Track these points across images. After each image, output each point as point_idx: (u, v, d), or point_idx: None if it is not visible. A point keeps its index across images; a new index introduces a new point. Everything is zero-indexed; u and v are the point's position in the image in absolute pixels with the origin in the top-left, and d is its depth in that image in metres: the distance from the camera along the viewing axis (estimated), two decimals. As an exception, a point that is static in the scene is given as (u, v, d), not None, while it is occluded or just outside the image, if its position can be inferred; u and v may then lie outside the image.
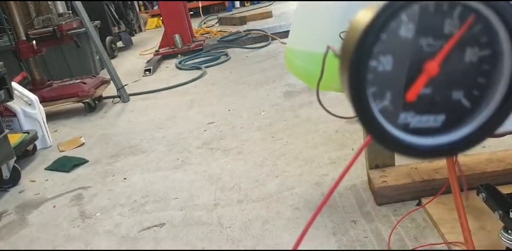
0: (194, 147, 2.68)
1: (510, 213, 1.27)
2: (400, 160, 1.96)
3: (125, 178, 2.43)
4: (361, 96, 0.39)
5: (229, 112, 3.25)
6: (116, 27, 6.41)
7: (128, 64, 5.56)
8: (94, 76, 4.03)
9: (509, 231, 1.28)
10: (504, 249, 1.34)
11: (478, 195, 1.42)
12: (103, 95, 3.96)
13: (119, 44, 6.51)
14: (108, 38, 5.75)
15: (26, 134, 2.72)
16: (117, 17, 6.42)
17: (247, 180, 2.20)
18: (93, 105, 3.69)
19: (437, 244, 1.54)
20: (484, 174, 1.78)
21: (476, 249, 1.42)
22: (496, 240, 1.33)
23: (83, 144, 3.01)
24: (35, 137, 2.81)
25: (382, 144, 0.42)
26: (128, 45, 6.64)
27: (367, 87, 0.39)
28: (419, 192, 1.79)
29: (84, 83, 3.67)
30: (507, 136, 1.42)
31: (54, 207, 2.27)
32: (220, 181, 2.23)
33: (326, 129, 2.65)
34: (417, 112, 0.40)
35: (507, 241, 1.28)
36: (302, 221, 1.82)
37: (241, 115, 3.14)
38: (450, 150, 0.42)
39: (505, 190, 1.43)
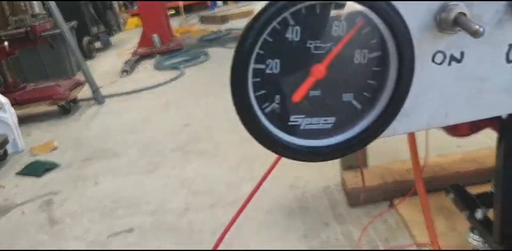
0: (168, 150, 2.63)
1: (476, 213, 1.25)
2: (373, 160, 1.94)
3: (96, 183, 2.38)
4: (243, 100, 0.37)
5: (206, 113, 3.20)
6: (96, 28, 6.31)
7: (106, 65, 5.48)
8: (70, 78, 3.96)
9: (475, 231, 1.27)
10: (470, 249, 1.32)
11: (447, 195, 1.40)
12: (79, 97, 3.89)
13: (98, 45, 6.42)
14: (85, 39, 5.66)
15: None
16: (96, 17, 6.33)
17: (221, 184, 2.16)
18: (68, 108, 3.61)
19: (407, 245, 1.52)
20: (457, 174, 1.77)
21: (444, 249, 1.41)
22: (465, 240, 1.32)
23: (56, 148, 2.94)
24: (5, 141, 2.74)
25: (269, 148, 0.39)
26: (107, 46, 6.55)
27: (254, 90, 0.37)
28: (391, 193, 1.77)
29: (59, 85, 3.60)
30: (481, 135, 1.41)
31: (22, 213, 2.21)
32: (193, 185, 2.19)
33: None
34: (307, 115, 0.38)
35: (473, 242, 1.27)
36: (275, 225, 1.79)
37: (218, 117, 3.09)
38: (342, 150, 0.40)
39: (477, 190, 1.41)
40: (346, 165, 1.91)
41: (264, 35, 0.35)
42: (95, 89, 3.74)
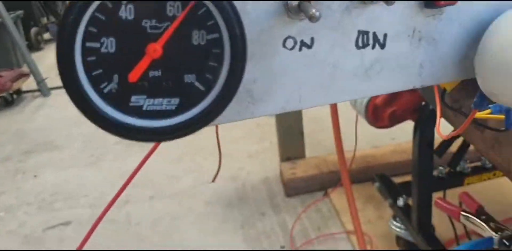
0: (111, 143, 2.59)
1: (397, 201, 1.31)
2: (311, 152, 1.99)
3: (35, 176, 2.32)
4: (73, 81, 0.38)
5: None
6: (45, 18, 6.10)
7: (54, 57, 5.31)
8: (12, 69, 3.82)
9: (397, 219, 1.32)
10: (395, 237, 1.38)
11: (373, 184, 1.46)
12: (23, 89, 3.76)
13: (47, 36, 6.21)
14: (33, 29, 5.46)
15: None
16: (44, 7, 6.12)
17: (163, 176, 2.15)
18: (10, 100, 3.49)
19: (337, 233, 1.58)
20: (388, 165, 1.83)
21: (372, 237, 1.47)
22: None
23: (-5, 140, 2.85)
24: None
25: (107, 130, 0.40)
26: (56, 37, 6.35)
27: (89, 70, 0.38)
28: (327, 183, 1.82)
29: (0, 76, 3.46)
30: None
31: (-46, 208, 2.13)
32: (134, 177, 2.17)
33: (247, 123, 2.65)
34: (149, 95, 0.40)
35: (395, 228, 1.32)
36: (212, 216, 1.80)
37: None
38: (183, 130, 0.41)
39: (406, 179, 1.47)
40: (284, 157, 1.94)
41: (91, 13, 0.36)
42: (40, 81, 3.63)
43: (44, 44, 5.92)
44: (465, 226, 1.00)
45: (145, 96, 0.39)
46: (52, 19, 6.35)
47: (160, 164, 2.27)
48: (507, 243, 0.85)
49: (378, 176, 1.46)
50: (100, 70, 0.38)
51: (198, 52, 0.38)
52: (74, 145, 2.64)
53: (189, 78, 0.39)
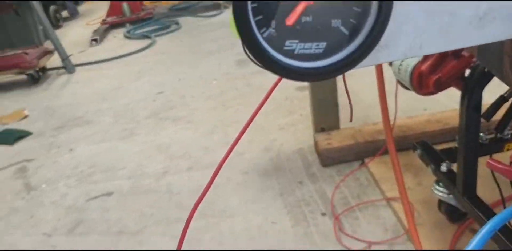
0: (142, 117, 2.63)
1: (441, 166, 1.33)
2: (345, 124, 2.00)
3: (70, 150, 2.38)
4: (245, 24, 0.40)
5: (179, 81, 3.20)
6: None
7: (74, 34, 5.34)
8: (37, 47, 3.85)
9: (440, 184, 1.35)
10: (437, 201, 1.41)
11: (414, 151, 1.48)
12: (48, 66, 3.81)
13: (65, 14, 6.22)
14: (52, 7, 5.48)
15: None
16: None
17: (197, 148, 2.19)
18: (36, 77, 3.54)
19: (377, 200, 1.61)
20: (423, 134, 1.85)
21: (412, 202, 1.50)
22: (431, 194, 1.40)
23: (26, 116, 2.90)
24: (-27, 110, 2.68)
25: (269, 69, 0.43)
26: (74, 15, 6.36)
27: (252, 16, 0.40)
28: (363, 153, 1.85)
29: (26, 53, 3.50)
30: (444, 97, 1.48)
31: (-4, 180, 2.20)
32: (169, 150, 2.22)
33: (276, 96, 2.66)
34: (301, 40, 0.42)
35: (438, 193, 1.35)
36: (250, 185, 1.84)
37: (191, 85, 3.10)
38: (331, 72, 0.44)
39: (442, 147, 1.49)
40: (318, 128, 1.96)
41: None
42: (65, 58, 3.66)
43: (63, 22, 5.94)
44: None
45: (297, 41, 0.43)
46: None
47: (193, 137, 2.31)
48: None
49: (419, 144, 1.47)
50: (260, 17, 0.41)
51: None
52: (104, 120, 2.68)
53: (336, 23, 0.42)
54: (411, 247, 1.37)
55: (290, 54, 0.43)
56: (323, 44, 0.43)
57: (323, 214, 1.59)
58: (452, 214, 1.38)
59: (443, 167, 1.34)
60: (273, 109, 2.48)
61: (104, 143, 2.39)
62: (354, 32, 0.43)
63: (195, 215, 1.72)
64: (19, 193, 2.05)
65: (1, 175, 2.24)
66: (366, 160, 1.81)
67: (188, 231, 1.66)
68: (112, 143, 2.38)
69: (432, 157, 1.40)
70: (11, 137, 2.58)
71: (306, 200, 1.68)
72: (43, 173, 2.20)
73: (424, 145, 1.46)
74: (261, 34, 0.41)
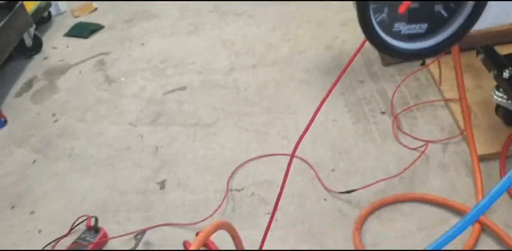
0: (205, 11, 2.68)
1: (504, 73, 1.37)
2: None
3: (142, 44, 2.52)
4: (364, 11, 0.49)
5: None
6: None
7: None
8: None
9: (500, 90, 1.40)
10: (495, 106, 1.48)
11: (477, 56, 1.50)
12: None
13: None
14: None
15: (40, 0, 2.72)
16: None
17: (261, 45, 2.27)
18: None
19: (436, 101, 1.69)
20: (488, 34, 1.82)
21: (469, 104, 1.57)
22: (489, 97, 1.46)
23: (95, 9, 3.02)
24: (49, 4, 2.82)
25: (378, 49, 0.53)
26: None
27: (370, 4, 0.49)
28: (425, 53, 1.87)
29: None
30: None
31: (79, 72, 2.41)
32: (235, 46, 2.31)
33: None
34: (407, 22, 0.52)
35: (497, 98, 1.41)
36: (313, 83, 1.96)
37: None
38: (431, 52, 0.54)
39: (505, 49, 1.50)
40: (383, 26, 1.97)
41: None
42: None
43: None
44: None
45: (404, 23, 0.54)
46: None
47: (256, 33, 2.38)
48: None
49: (483, 48, 1.48)
50: (376, 5, 0.51)
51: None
52: (172, 13, 2.75)
53: (438, 7, 0.54)
54: (465, 147, 1.48)
55: (397, 34, 0.53)
56: (425, 25, 0.54)
57: (383, 113, 1.71)
58: (509, 118, 1.45)
59: (506, 74, 1.38)
60: (334, 3, 2.44)
61: (173, 38, 2.51)
62: (453, 14, 0.51)
63: (261, 110, 1.89)
64: (101, 84, 2.27)
65: (82, 67, 2.45)
66: (428, 61, 1.84)
67: (257, 124, 1.85)
68: (179, 38, 2.49)
69: (495, 62, 1.43)
70: (86, 30, 2.74)
71: (367, 99, 1.79)
72: (120, 66, 2.38)
73: (488, 50, 1.48)
74: (375, 18, 0.51)
